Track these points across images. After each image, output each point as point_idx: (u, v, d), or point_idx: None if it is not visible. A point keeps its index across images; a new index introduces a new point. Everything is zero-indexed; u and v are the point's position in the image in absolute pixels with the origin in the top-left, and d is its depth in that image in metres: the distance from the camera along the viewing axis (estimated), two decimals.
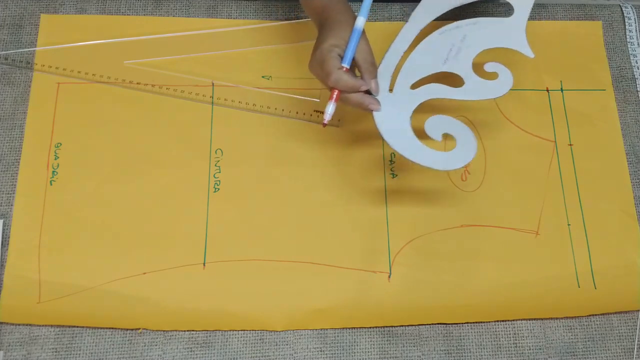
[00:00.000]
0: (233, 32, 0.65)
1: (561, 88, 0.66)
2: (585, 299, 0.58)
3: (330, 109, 0.51)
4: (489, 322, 0.57)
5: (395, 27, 0.67)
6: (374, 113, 0.52)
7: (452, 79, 0.55)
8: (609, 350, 0.57)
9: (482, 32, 0.56)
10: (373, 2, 0.66)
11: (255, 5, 0.67)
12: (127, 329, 0.55)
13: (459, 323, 0.57)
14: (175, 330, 0.55)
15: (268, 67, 0.64)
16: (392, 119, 0.53)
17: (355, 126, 0.63)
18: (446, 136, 0.53)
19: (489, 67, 0.55)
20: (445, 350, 0.56)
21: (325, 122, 0.51)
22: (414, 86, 0.54)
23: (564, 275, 0.59)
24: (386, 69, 0.54)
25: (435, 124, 0.53)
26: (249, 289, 0.56)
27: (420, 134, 0.53)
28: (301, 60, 0.65)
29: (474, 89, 0.55)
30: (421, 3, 0.57)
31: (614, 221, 0.61)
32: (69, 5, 0.65)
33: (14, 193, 0.58)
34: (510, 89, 0.64)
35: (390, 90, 0.54)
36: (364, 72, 0.51)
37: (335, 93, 0.50)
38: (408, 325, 0.57)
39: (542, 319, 0.58)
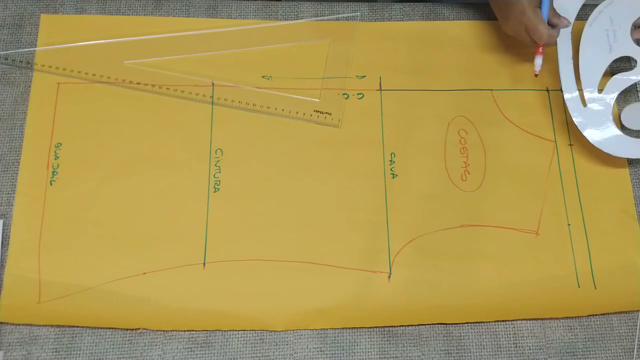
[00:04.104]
0: (233, 32, 0.65)
1: (561, 88, 0.66)
2: (585, 299, 0.58)
3: (540, 61, 0.59)
4: (489, 322, 0.57)
5: (395, 27, 0.67)
6: (581, 127, 0.60)
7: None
8: (609, 350, 0.57)
9: (623, 6, 0.60)
10: (373, 2, 0.67)
11: (255, 5, 0.67)
12: (127, 329, 0.55)
13: (459, 323, 0.57)
14: (175, 330, 0.55)
15: (268, 67, 0.64)
16: (597, 127, 0.60)
17: (355, 126, 0.63)
18: None
19: None
20: (445, 350, 0.56)
21: (537, 73, 0.60)
22: (600, 88, 0.60)
23: (564, 275, 0.59)
24: (570, 85, 0.60)
25: (633, 113, 0.60)
26: (249, 289, 0.56)
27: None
28: (301, 60, 0.65)
29: None
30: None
31: (614, 221, 0.61)
32: (69, 5, 0.65)
33: (14, 193, 0.58)
34: (510, 89, 0.65)
35: (585, 104, 0.60)
36: (555, 20, 0.59)
37: (541, 47, 0.59)
38: (408, 325, 0.57)
39: (542, 319, 0.58)
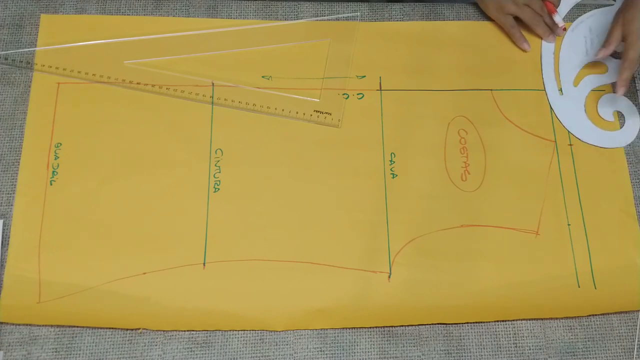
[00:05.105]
0: (233, 32, 0.65)
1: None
2: (585, 299, 0.58)
3: (560, 17, 0.67)
4: (489, 322, 0.57)
5: (395, 27, 0.67)
6: (557, 111, 0.65)
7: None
8: (609, 350, 0.57)
9: (600, 20, 0.68)
10: (373, 2, 0.67)
11: (255, 5, 0.67)
12: (127, 329, 0.55)
13: (459, 323, 0.57)
14: (175, 330, 0.55)
15: (268, 67, 0.64)
16: (569, 112, 0.65)
17: (355, 126, 0.63)
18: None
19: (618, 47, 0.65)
20: (445, 350, 0.56)
21: (564, 25, 0.67)
22: (576, 82, 0.66)
23: (564, 275, 0.59)
24: (550, 75, 0.66)
25: (607, 103, 0.66)
26: (249, 289, 0.56)
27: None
28: (301, 60, 0.65)
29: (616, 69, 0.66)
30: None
31: (614, 221, 0.61)
32: (69, 5, 0.65)
33: (14, 193, 0.58)
34: (510, 89, 0.65)
35: (561, 92, 0.65)
36: None
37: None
38: (408, 325, 0.57)
39: (542, 319, 0.58)
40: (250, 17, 0.66)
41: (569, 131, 0.64)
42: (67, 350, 0.54)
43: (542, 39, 0.67)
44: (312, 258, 0.58)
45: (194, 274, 0.56)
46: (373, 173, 0.61)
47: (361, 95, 0.64)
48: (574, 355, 0.57)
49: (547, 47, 0.67)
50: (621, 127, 0.65)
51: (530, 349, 0.57)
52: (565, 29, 0.67)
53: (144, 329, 0.55)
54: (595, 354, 0.57)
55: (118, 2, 0.65)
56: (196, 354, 0.55)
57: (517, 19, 0.66)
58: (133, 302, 0.55)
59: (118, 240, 0.57)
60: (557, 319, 0.58)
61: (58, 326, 0.55)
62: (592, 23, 0.68)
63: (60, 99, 0.61)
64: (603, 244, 0.60)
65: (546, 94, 0.65)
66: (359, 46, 0.66)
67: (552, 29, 0.67)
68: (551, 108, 0.65)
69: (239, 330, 0.56)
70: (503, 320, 0.57)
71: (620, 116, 0.66)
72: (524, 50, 0.66)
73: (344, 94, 0.64)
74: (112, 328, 0.55)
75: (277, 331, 0.56)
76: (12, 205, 0.58)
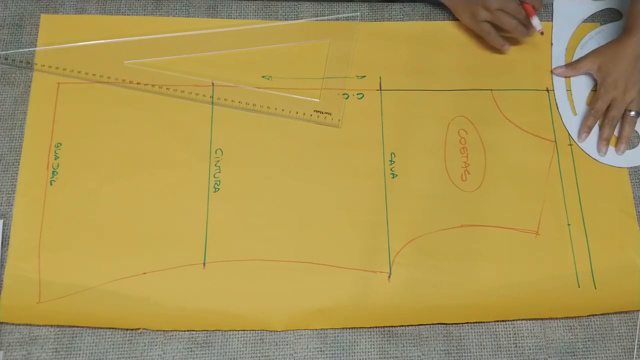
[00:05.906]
0: (233, 32, 0.65)
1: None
2: (585, 299, 0.58)
3: (538, 20, 0.63)
4: (489, 322, 0.57)
5: (395, 27, 0.67)
6: (572, 132, 0.64)
7: None
8: (609, 350, 0.57)
9: (608, 36, 0.67)
10: (373, 2, 0.67)
11: (255, 5, 0.67)
12: (127, 329, 0.55)
13: (459, 323, 0.57)
14: (175, 330, 0.55)
15: (268, 67, 0.64)
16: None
17: (355, 126, 0.63)
18: None
19: None
20: (445, 350, 0.56)
21: (542, 29, 0.63)
22: (588, 101, 0.66)
23: (564, 275, 0.59)
24: (562, 96, 0.66)
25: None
26: (249, 289, 0.56)
27: None
28: (301, 60, 0.65)
29: None
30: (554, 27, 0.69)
31: (614, 221, 0.61)
32: (69, 5, 0.65)
33: (14, 193, 0.58)
34: (510, 89, 0.65)
35: (575, 113, 0.65)
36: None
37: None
38: (408, 325, 0.57)
39: (542, 319, 0.58)
40: (250, 17, 0.66)
41: (585, 151, 0.64)
42: (67, 350, 0.54)
43: (520, 41, 0.66)
44: (312, 258, 0.58)
45: (194, 274, 0.56)
46: (373, 173, 0.61)
47: (361, 95, 0.64)
48: (574, 355, 0.57)
49: (557, 67, 0.66)
50: (636, 146, 0.65)
51: (530, 349, 0.57)
52: (542, 33, 0.63)
53: (144, 329, 0.55)
54: (595, 354, 0.57)
55: (118, 2, 0.65)
56: (196, 354, 0.55)
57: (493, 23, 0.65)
58: (133, 302, 0.55)
59: (118, 240, 0.57)
60: (557, 319, 0.58)
61: (58, 326, 0.55)
62: (600, 39, 0.67)
63: (60, 99, 0.61)
64: (603, 244, 0.60)
65: (560, 116, 0.65)
66: (359, 46, 0.66)
67: (530, 30, 0.65)
68: (557, 112, 0.65)
69: (239, 330, 0.56)
70: (503, 320, 0.57)
71: (636, 136, 0.65)
72: (505, 52, 0.66)
73: (344, 94, 0.64)
74: (112, 328, 0.55)
75: (277, 331, 0.56)
76: (12, 205, 0.58)
